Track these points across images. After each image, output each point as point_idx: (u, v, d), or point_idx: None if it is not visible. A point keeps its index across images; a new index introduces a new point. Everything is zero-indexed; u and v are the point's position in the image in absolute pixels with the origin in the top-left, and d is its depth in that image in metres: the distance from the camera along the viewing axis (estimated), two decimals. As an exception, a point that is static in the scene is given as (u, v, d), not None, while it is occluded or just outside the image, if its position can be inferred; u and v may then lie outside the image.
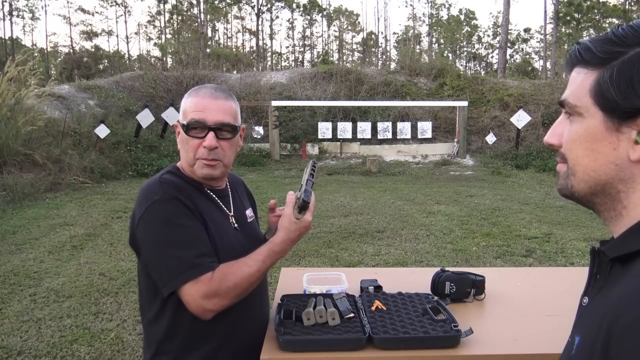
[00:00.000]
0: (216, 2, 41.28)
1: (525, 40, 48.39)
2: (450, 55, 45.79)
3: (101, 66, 40.50)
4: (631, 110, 0.57)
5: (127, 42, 56.94)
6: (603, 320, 0.53)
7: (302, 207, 1.22)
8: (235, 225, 1.37)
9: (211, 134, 1.26)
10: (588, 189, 0.64)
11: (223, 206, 1.37)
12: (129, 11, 64.19)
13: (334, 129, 14.71)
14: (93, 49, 42.77)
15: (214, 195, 1.36)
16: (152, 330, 1.31)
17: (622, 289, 0.55)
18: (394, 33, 62.05)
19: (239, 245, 1.30)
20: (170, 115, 12.41)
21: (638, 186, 0.59)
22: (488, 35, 49.65)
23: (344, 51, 52.10)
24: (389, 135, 14.81)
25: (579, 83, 0.63)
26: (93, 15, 52.06)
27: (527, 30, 48.16)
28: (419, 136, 15.13)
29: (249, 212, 1.47)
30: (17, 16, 41.47)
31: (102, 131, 11.61)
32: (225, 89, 1.36)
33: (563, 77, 17.87)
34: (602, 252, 0.63)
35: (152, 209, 1.22)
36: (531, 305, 1.61)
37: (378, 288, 1.68)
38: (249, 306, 1.35)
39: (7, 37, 38.13)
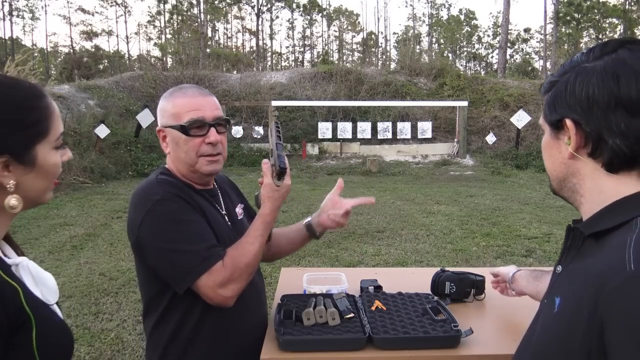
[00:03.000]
0: (216, 2, 41.27)
1: (525, 40, 48.36)
2: (450, 55, 45.76)
3: (101, 66, 40.49)
4: (554, 122, 0.77)
5: (127, 42, 56.87)
6: (588, 285, 0.65)
7: (281, 173, 1.24)
8: (228, 222, 1.40)
9: (213, 130, 1.30)
10: (556, 185, 0.82)
11: (216, 205, 1.39)
12: (129, 11, 64.16)
13: (334, 129, 14.71)
14: (93, 49, 42.73)
15: (206, 195, 1.38)
16: (157, 333, 1.31)
17: (605, 260, 0.66)
18: (394, 33, 62.03)
19: (235, 242, 1.31)
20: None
21: (585, 178, 0.76)
22: (488, 35, 49.64)
23: (344, 51, 52.07)
24: (389, 135, 14.81)
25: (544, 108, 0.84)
26: (93, 15, 51.86)
27: (527, 30, 48.13)
28: (419, 136, 15.14)
29: (238, 209, 1.49)
30: (17, 16, 41.44)
31: (102, 131, 11.62)
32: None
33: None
34: (577, 229, 0.77)
35: (155, 208, 1.22)
36: (531, 305, 1.60)
37: (378, 288, 1.68)
38: (248, 306, 1.36)
39: (7, 37, 38.13)
